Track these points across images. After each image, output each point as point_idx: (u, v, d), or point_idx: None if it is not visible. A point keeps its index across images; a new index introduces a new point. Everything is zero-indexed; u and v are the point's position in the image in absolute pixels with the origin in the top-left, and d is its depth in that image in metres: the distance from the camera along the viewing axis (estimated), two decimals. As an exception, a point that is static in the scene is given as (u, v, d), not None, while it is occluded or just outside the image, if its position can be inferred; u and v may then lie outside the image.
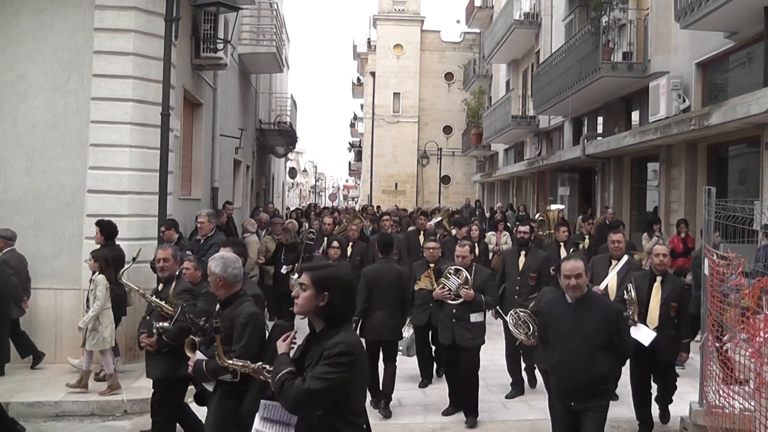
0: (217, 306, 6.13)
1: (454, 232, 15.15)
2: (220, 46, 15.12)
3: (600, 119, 23.61)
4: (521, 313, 9.57)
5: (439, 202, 43.81)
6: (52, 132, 11.74)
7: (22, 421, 8.78)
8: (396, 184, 50.99)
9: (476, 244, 13.58)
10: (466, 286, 9.08)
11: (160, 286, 7.89)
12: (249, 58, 22.28)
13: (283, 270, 13.63)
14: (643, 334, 8.43)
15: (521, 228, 11.30)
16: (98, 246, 10.57)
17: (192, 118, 16.06)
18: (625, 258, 10.05)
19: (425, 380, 11.16)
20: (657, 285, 8.66)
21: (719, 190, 11.57)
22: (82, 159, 11.74)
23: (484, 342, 9.38)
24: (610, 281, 9.91)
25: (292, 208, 37.10)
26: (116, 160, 11.73)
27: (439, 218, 17.32)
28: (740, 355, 6.95)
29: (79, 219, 11.70)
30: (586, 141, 22.00)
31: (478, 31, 47.70)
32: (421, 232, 15.26)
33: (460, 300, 9.07)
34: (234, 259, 6.18)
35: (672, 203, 17.96)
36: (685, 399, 9.53)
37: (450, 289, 9.14)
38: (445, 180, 49.51)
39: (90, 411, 9.65)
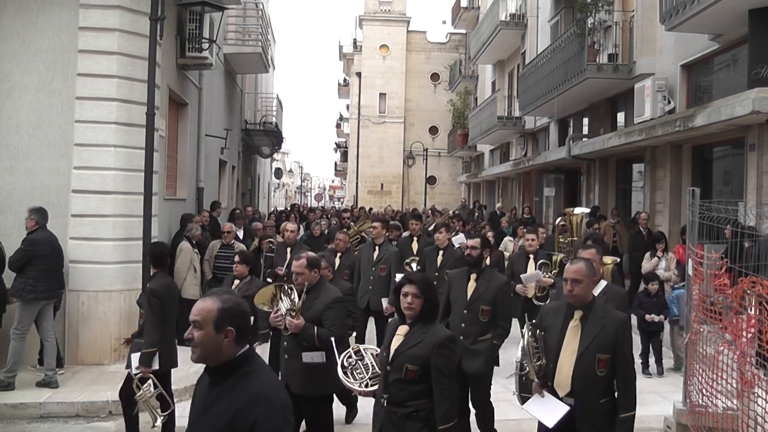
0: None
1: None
2: (206, 45, 15.06)
3: (585, 120, 23.70)
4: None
5: (425, 203, 43.90)
6: (36, 132, 11.66)
7: (5, 422, 8.74)
8: (382, 185, 51.02)
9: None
10: (293, 312, 6.88)
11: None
12: (234, 58, 22.23)
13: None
14: (548, 410, 5.68)
15: (470, 242, 8.42)
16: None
17: (177, 118, 16.00)
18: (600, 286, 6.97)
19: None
20: (574, 324, 5.68)
21: (704, 191, 11.61)
22: (66, 159, 11.67)
23: (332, 392, 7.22)
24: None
25: (270, 210, 36.77)
26: (101, 160, 11.66)
27: (439, 221, 17.11)
28: (724, 354, 6.98)
29: (64, 219, 11.61)
30: (571, 142, 22.06)
31: (464, 31, 47.78)
32: (415, 239, 13.24)
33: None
34: None
35: (657, 204, 18.04)
36: (668, 398, 9.58)
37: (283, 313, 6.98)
38: (431, 180, 49.58)
39: (75, 412, 9.59)
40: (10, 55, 11.70)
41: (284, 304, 6.94)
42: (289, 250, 11.98)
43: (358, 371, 6.42)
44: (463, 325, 7.97)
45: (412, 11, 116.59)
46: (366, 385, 6.30)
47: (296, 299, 6.92)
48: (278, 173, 53.34)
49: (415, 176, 50.38)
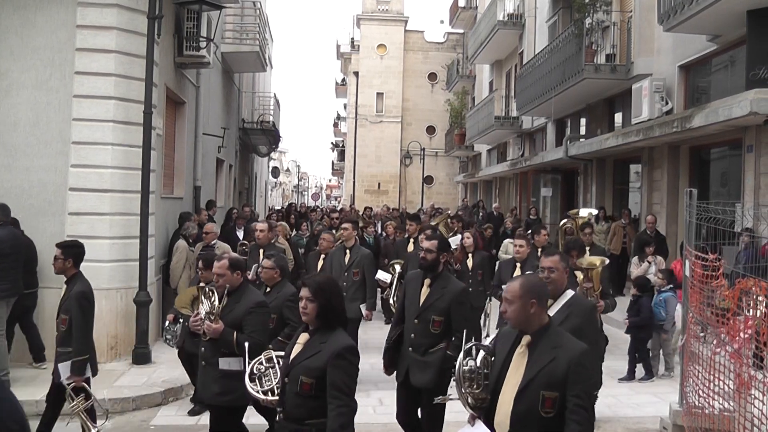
0: None
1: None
2: (203, 44, 15.05)
3: (583, 121, 23.71)
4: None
5: (422, 203, 43.90)
6: (33, 129, 11.66)
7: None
8: (379, 184, 51.01)
9: (470, 255, 11.64)
10: (212, 315, 6.56)
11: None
12: (232, 57, 22.22)
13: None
14: None
15: (425, 244, 7.39)
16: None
17: (174, 117, 15.99)
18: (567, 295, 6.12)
19: None
20: (521, 351, 4.63)
21: (701, 192, 11.65)
22: (64, 157, 11.66)
23: (245, 403, 6.66)
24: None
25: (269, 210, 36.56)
26: (98, 158, 11.66)
27: (437, 222, 16.95)
28: (721, 356, 6.99)
29: (61, 217, 11.62)
30: (568, 142, 22.06)
31: (461, 31, 47.72)
32: (411, 241, 12.93)
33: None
34: None
35: (654, 205, 18.04)
36: (665, 399, 9.59)
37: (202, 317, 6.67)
38: (428, 180, 49.56)
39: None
40: (8, 52, 11.69)
41: (204, 308, 6.61)
42: (261, 252, 11.05)
43: (267, 379, 5.92)
44: (412, 335, 7.19)
45: (409, 11, 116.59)
46: (270, 393, 5.78)
47: (216, 302, 6.59)
48: (275, 172, 53.25)
49: (412, 176, 50.34)
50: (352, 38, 56.40)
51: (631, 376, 11.38)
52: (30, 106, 11.67)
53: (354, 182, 51.75)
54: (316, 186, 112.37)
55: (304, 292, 5.05)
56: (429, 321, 7.08)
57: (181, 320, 9.20)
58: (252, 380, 5.90)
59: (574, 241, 10.25)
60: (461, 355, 4.90)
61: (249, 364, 6.01)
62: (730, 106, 12.67)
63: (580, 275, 8.66)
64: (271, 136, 30.32)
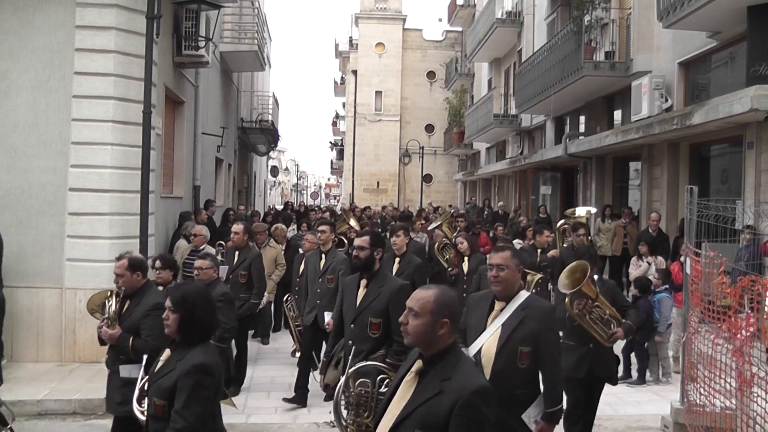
0: None
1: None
2: (202, 44, 15.05)
3: (582, 118, 23.69)
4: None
5: (421, 201, 43.89)
6: (33, 130, 11.65)
7: (2, 420, 8.70)
8: (378, 183, 51.01)
9: (466, 258, 11.10)
10: (110, 320, 6.26)
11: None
12: (231, 56, 22.22)
13: None
14: None
15: (357, 241, 6.94)
16: None
17: (174, 116, 15.99)
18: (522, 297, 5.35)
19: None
20: (409, 378, 3.87)
21: (701, 189, 11.59)
22: (63, 157, 11.65)
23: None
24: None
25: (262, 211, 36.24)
26: (98, 158, 11.65)
27: (439, 222, 16.82)
28: (722, 354, 6.98)
29: (61, 217, 11.61)
30: (568, 140, 22.04)
31: (460, 29, 47.72)
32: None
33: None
34: None
35: (654, 202, 18.02)
36: (666, 397, 9.59)
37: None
38: (427, 178, 49.55)
39: (72, 409, 9.57)
40: (7, 53, 11.68)
41: (108, 311, 6.27)
42: (237, 253, 10.83)
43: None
44: (350, 342, 6.57)
45: (408, 9, 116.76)
46: None
47: (113, 306, 6.26)
48: (274, 171, 53.37)
49: (411, 174, 50.33)
50: (351, 37, 56.36)
51: (626, 375, 11.24)
52: (29, 107, 11.66)
53: (353, 181, 51.74)
54: (315, 185, 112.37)
55: (167, 301, 4.66)
56: (366, 324, 6.51)
57: None
58: (140, 401, 5.15)
59: (586, 249, 8.51)
60: (343, 378, 4.65)
61: (144, 376, 5.32)
62: (730, 102, 12.65)
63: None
64: (269, 135, 30.32)
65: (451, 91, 45.60)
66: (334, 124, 76.18)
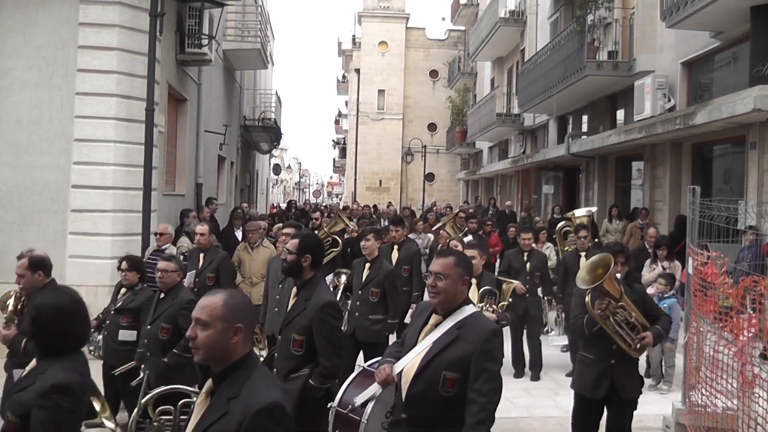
0: None
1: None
2: (205, 41, 15.06)
3: (585, 118, 23.68)
4: None
5: (423, 200, 43.86)
6: (36, 127, 11.67)
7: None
8: (380, 181, 50.95)
9: None
10: (6, 321, 5.93)
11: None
12: (233, 54, 22.21)
13: None
14: None
15: (288, 244, 6.17)
16: None
17: (176, 114, 16.00)
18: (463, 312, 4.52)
19: None
20: (201, 399, 3.49)
21: (704, 189, 11.48)
22: (66, 154, 11.68)
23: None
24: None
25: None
26: (100, 155, 11.67)
27: (444, 222, 16.72)
28: (724, 354, 6.97)
29: (64, 214, 11.64)
30: (570, 139, 22.05)
31: (463, 28, 47.71)
32: (396, 248, 11.31)
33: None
34: None
35: (656, 202, 18.02)
36: (667, 398, 9.58)
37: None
38: (429, 177, 49.50)
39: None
40: (11, 50, 11.70)
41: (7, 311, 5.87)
42: (202, 256, 10.18)
43: None
44: (276, 354, 6.01)
45: (411, 8, 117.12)
46: None
47: (10, 306, 5.90)
48: (277, 169, 53.37)
49: (414, 173, 50.28)
50: (354, 35, 56.33)
51: None
52: (33, 103, 11.68)
53: (355, 179, 51.70)
54: (317, 183, 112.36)
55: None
56: (290, 339, 5.74)
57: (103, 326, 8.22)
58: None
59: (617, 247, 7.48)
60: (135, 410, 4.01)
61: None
62: (733, 102, 12.64)
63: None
64: (272, 133, 30.32)
65: (453, 90, 45.56)
66: (337, 122, 76.13)
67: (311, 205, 32.04)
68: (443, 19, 54.79)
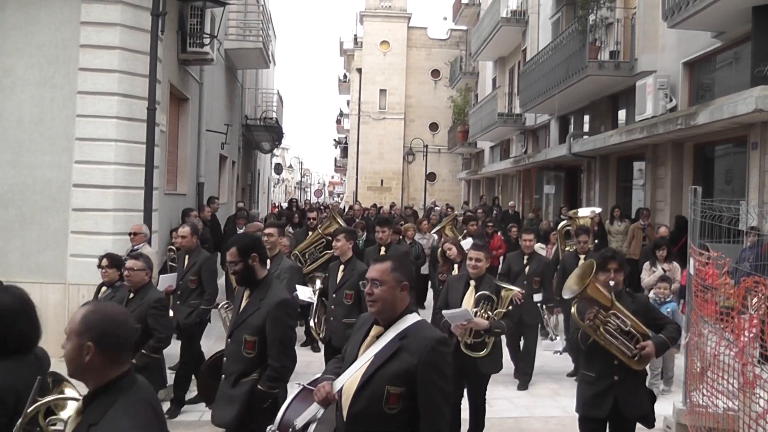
0: None
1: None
2: (207, 41, 15.06)
3: (586, 118, 23.67)
4: None
5: (425, 200, 43.86)
6: (38, 126, 11.68)
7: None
8: (382, 181, 50.96)
9: (457, 266, 10.22)
10: None
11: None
12: (235, 54, 22.20)
13: None
14: None
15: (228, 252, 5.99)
16: None
17: (178, 113, 16.00)
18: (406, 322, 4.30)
19: None
20: (74, 418, 3.54)
21: (705, 189, 11.41)
22: (68, 153, 11.68)
23: None
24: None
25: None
26: (102, 154, 11.67)
27: (443, 224, 16.64)
28: (725, 354, 6.97)
29: (65, 213, 11.64)
30: (572, 139, 22.03)
31: (465, 28, 47.70)
32: (383, 249, 11.18)
33: None
34: None
35: (658, 202, 18.01)
36: (668, 398, 9.57)
37: None
38: (430, 177, 49.51)
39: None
40: (12, 49, 11.70)
41: None
42: (186, 258, 9.93)
43: None
44: (225, 359, 5.83)
45: (413, 7, 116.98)
46: None
47: None
48: (278, 169, 53.38)
49: (415, 173, 50.30)
50: (355, 35, 56.36)
51: None
52: (34, 102, 11.69)
53: (357, 179, 51.71)
54: (318, 182, 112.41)
55: None
56: (241, 341, 5.60)
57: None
58: None
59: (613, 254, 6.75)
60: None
61: None
62: (735, 103, 12.64)
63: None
64: (274, 133, 30.30)
65: (455, 90, 45.57)
66: (339, 121, 76.19)
67: (310, 204, 31.93)
68: (445, 18, 54.92)
